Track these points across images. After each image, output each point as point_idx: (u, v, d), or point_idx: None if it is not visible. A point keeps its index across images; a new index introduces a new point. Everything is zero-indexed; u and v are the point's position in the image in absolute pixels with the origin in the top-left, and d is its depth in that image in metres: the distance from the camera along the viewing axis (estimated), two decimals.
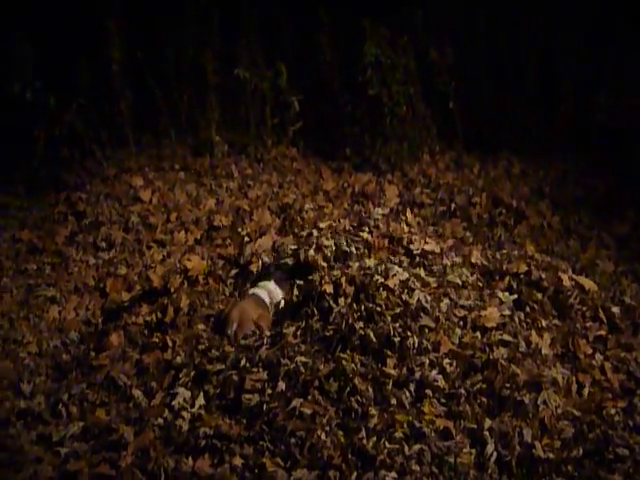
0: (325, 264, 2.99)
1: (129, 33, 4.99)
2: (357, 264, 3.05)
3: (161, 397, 2.59)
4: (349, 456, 2.17)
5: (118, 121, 5.03)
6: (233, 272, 3.48)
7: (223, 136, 4.94)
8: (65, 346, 3.20)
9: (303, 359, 2.49)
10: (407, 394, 2.38)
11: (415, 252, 3.17)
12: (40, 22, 5.11)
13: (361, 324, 2.60)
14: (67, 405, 2.63)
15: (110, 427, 2.44)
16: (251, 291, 3.08)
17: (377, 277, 2.78)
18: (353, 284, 2.79)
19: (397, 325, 2.57)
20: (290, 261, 3.14)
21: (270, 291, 3.06)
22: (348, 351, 2.52)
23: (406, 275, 2.87)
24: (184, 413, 2.43)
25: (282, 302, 3.02)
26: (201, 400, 2.49)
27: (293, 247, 3.22)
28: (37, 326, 3.36)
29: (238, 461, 2.21)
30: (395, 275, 2.83)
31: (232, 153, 4.95)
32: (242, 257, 3.54)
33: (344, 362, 2.45)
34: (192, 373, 2.64)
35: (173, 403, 2.50)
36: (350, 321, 2.60)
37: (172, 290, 3.15)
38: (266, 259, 3.42)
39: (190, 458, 2.25)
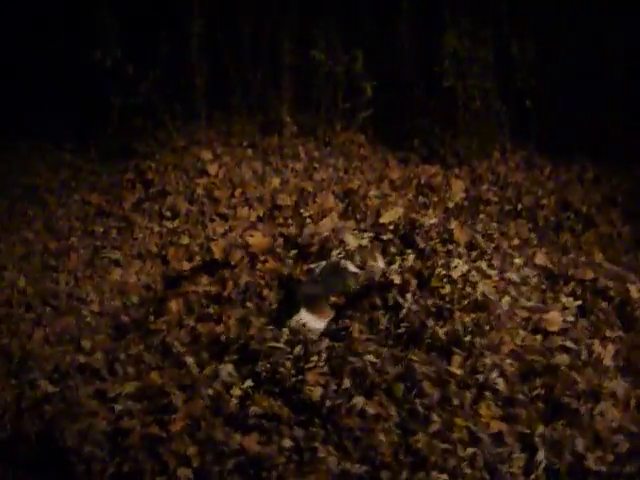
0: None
1: (209, 8, 5.04)
2: (412, 256, 3.02)
3: (211, 369, 2.61)
4: (401, 456, 2.14)
5: (191, 94, 5.11)
6: (292, 253, 3.49)
7: (293, 117, 4.95)
8: (125, 308, 3.29)
9: (372, 358, 2.42)
10: (468, 395, 2.32)
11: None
12: None
13: (432, 321, 2.55)
14: (124, 364, 2.70)
15: (163, 390, 2.49)
16: None
17: (439, 269, 2.74)
18: (415, 276, 2.75)
19: (466, 321, 2.53)
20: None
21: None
22: (417, 351, 2.47)
23: (467, 267, 2.82)
24: (235, 389, 2.45)
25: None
26: (250, 382, 2.47)
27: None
28: (100, 286, 3.46)
29: (287, 443, 2.20)
30: (457, 267, 2.78)
31: (300, 134, 4.95)
32: (302, 238, 3.55)
33: (416, 365, 2.39)
34: (242, 350, 2.63)
35: (223, 376, 2.53)
36: (422, 318, 2.56)
37: (233, 263, 3.19)
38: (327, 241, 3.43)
39: (238, 434, 2.26)
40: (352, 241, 3.14)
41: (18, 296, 3.31)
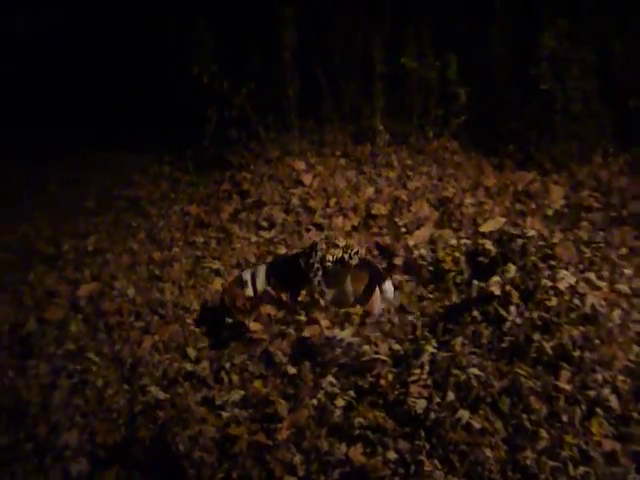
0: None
1: (300, 19, 5.11)
2: (514, 267, 2.95)
3: (312, 378, 2.65)
4: (509, 472, 2.10)
5: (284, 106, 5.20)
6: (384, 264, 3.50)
7: (385, 125, 4.94)
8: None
9: (476, 372, 2.40)
10: (578, 412, 2.25)
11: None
12: (219, 8, 5.40)
13: (538, 335, 2.49)
14: (229, 373, 2.78)
15: (268, 399, 2.54)
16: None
17: (545, 280, 2.66)
18: (517, 288, 2.69)
19: (575, 335, 2.44)
20: None
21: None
22: (523, 365, 2.42)
23: (574, 278, 2.72)
24: (339, 399, 2.47)
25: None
26: (352, 392, 2.51)
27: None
28: (202, 295, 3.56)
29: (392, 455, 2.20)
30: (563, 278, 2.69)
31: (393, 142, 4.93)
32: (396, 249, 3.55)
33: (522, 379, 2.35)
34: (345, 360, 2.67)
35: (326, 387, 2.55)
36: (527, 332, 2.50)
37: None
38: (423, 252, 3.42)
39: (344, 444, 2.28)
40: None
41: (128, 305, 3.47)
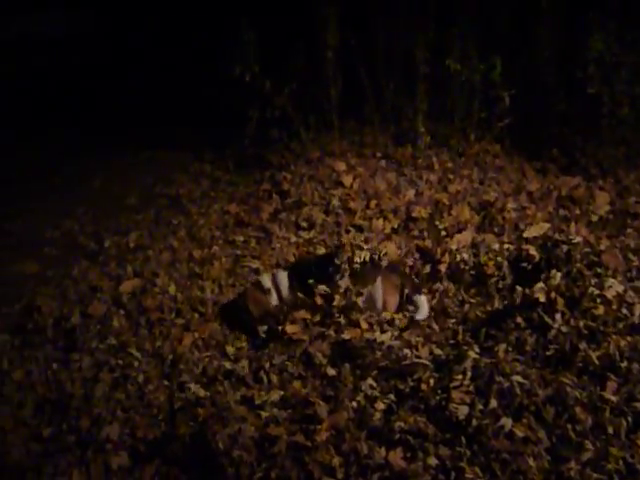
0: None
1: (343, 19, 5.09)
2: (559, 274, 2.89)
3: (352, 380, 2.64)
4: None
5: (325, 106, 5.20)
6: (428, 267, 3.47)
7: (426, 127, 4.89)
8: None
9: (519, 379, 2.36)
10: (624, 424, 2.20)
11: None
12: (262, 8, 5.42)
13: (584, 344, 2.45)
14: (268, 373, 2.79)
15: (307, 400, 2.55)
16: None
17: (591, 288, 2.61)
18: (563, 295, 2.64)
19: (622, 345, 2.39)
20: None
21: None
22: (569, 374, 2.38)
23: (622, 287, 2.66)
24: (379, 403, 2.46)
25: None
26: (392, 396, 2.50)
27: None
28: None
29: (433, 461, 2.19)
30: (611, 287, 2.63)
31: (434, 145, 4.89)
32: (437, 253, 3.51)
33: (567, 389, 2.31)
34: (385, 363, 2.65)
35: (365, 389, 2.54)
36: (573, 341, 2.46)
37: None
38: (465, 256, 3.38)
39: (383, 448, 2.27)
40: None
41: (169, 302, 3.51)
